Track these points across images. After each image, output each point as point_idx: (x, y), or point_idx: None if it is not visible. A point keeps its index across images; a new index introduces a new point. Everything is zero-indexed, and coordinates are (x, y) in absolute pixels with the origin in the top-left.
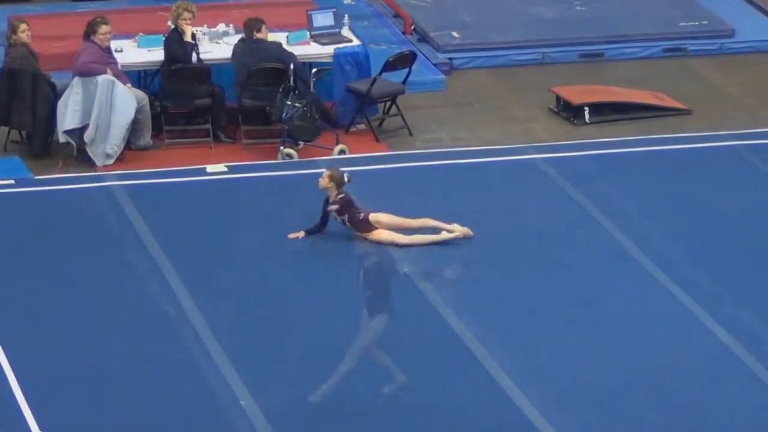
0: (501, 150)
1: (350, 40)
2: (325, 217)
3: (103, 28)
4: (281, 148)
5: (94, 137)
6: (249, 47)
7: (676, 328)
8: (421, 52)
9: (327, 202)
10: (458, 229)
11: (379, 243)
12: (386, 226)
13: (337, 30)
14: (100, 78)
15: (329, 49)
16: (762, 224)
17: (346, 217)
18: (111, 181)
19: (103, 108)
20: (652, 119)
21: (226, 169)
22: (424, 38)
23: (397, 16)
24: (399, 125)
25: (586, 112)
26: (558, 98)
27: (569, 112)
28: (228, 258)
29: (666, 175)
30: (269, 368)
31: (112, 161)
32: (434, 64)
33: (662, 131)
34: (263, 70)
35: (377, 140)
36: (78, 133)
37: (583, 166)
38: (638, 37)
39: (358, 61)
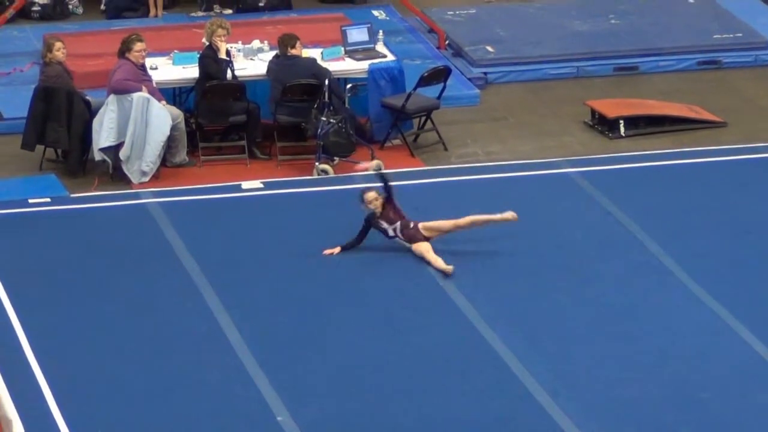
0: (536, 164)
1: (384, 56)
2: (364, 233)
3: (138, 46)
4: (316, 164)
5: (130, 155)
6: (283, 63)
7: (712, 341)
8: (455, 66)
9: (373, 217)
10: (504, 215)
11: (422, 256)
12: (437, 230)
13: (372, 45)
14: (135, 95)
15: (364, 65)
16: None
17: (398, 225)
18: (147, 198)
19: (138, 125)
20: (688, 132)
21: (262, 186)
22: (458, 53)
23: (431, 31)
24: (434, 140)
25: (622, 126)
26: (593, 112)
27: (604, 125)
28: (264, 274)
29: (702, 187)
30: (306, 383)
31: (147, 179)
32: (469, 79)
33: (698, 144)
34: (298, 86)
35: (412, 155)
36: (113, 150)
37: (619, 179)
38: (673, 50)
39: (392, 77)
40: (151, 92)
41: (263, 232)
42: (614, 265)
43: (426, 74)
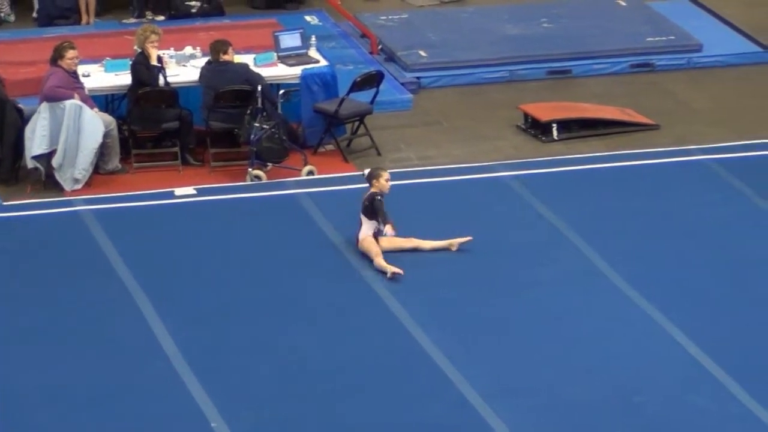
0: (470, 168)
1: (317, 61)
2: (379, 210)
3: (70, 53)
4: (249, 169)
5: (62, 162)
6: (216, 69)
7: (647, 344)
8: (388, 71)
9: (377, 198)
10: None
11: (368, 253)
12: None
13: (304, 51)
14: (68, 103)
15: (296, 70)
16: (731, 238)
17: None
18: (80, 205)
19: (70, 133)
20: (621, 135)
21: (194, 192)
22: (391, 58)
23: (363, 36)
24: (367, 145)
25: (554, 129)
26: (526, 116)
27: (537, 129)
28: (198, 281)
29: (635, 190)
30: (240, 390)
31: (80, 186)
32: (401, 84)
33: (631, 147)
34: (230, 92)
35: (346, 160)
36: (46, 158)
37: (553, 183)
38: (606, 54)
39: (325, 82)
40: (84, 99)
41: (197, 238)
42: (549, 270)
43: (359, 79)
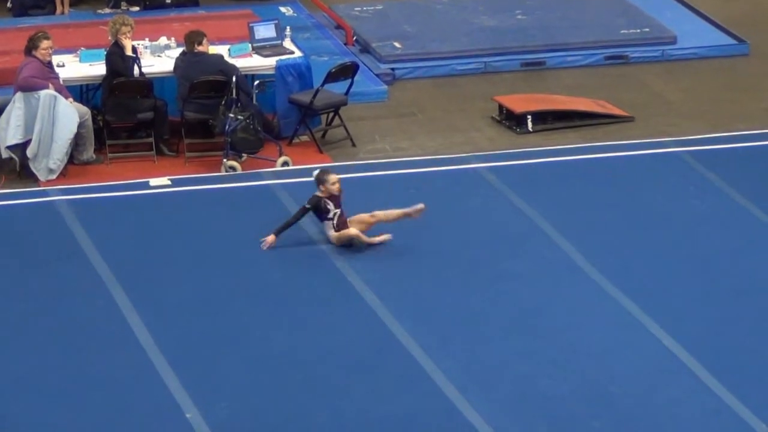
0: (444, 160)
1: (292, 52)
2: (302, 214)
3: (45, 43)
4: (224, 160)
5: (37, 152)
6: (190, 60)
7: (621, 336)
8: (363, 62)
9: (320, 199)
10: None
11: (353, 239)
12: (361, 222)
13: (279, 42)
14: (42, 93)
15: (271, 61)
16: (705, 230)
17: (339, 211)
18: (54, 196)
19: (45, 123)
20: (596, 127)
21: (169, 183)
22: (366, 49)
23: (338, 27)
24: (342, 136)
25: (529, 121)
26: (501, 107)
27: (512, 120)
28: (172, 272)
29: (609, 183)
30: (216, 381)
31: (55, 176)
32: (376, 75)
33: (605, 139)
34: (205, 83)
35: (320, 151)
36: (21, 148)
37: (527, 174)
38: (580, 45)
39: (300, 73)
40: (58, 90)
41: (171, 229)
42: (524, 262)
43: (333, 70)
